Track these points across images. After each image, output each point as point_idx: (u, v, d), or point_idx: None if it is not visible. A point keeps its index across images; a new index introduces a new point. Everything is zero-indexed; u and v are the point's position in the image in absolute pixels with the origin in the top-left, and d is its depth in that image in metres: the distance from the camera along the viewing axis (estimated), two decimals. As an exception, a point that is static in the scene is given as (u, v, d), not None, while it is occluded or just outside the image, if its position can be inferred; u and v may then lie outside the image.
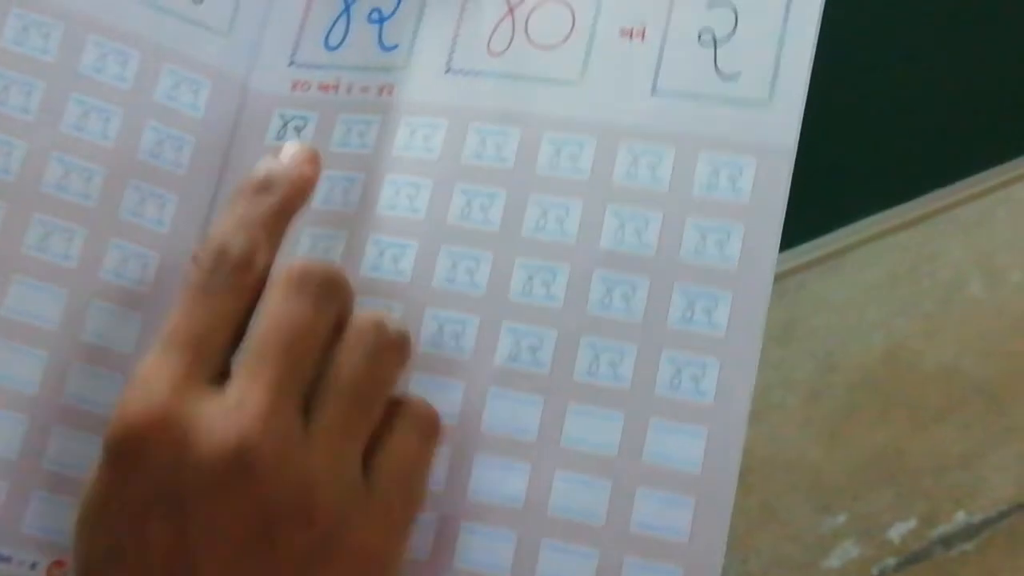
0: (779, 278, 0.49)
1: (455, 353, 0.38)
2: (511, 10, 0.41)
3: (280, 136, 0.43)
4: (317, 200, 0.41)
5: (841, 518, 0.52)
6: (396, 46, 0.42)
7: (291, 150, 0.37)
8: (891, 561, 0.51)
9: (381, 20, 0.43)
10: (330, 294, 0.33)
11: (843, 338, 0.53)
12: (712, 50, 0.39)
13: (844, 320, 0.53)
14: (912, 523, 0.51)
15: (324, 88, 0.43)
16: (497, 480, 0.37)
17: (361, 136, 0.42)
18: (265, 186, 0.36)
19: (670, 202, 0.38)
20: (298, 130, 0.42)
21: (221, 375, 0.33)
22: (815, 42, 0.38)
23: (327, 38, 0.43)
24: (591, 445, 0.37)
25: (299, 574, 0.31)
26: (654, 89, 0.39)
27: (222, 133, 0.43)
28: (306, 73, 0.43)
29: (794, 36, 0.38)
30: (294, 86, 0.43)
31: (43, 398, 0.39)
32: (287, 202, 0.36)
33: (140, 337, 0.40)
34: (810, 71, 0.38)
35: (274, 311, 0.33)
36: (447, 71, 0.41)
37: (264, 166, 0.36)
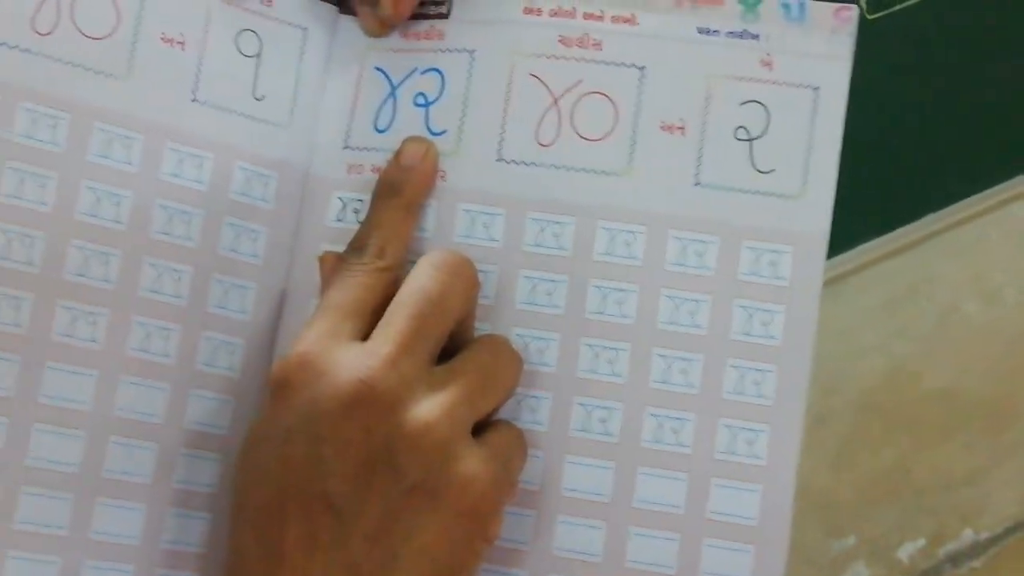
0: None
1: (532, 425, 0.47)
2: (555, 101, 0.48)
3: (340, 218, 0.49)
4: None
5: (851, 540, 0.57)
6: (445, 131, 0.48)
7: (408, 150, 0.46)
8: None
9: (426, 104, 0.49)
10: (457, 273, 0.43)
11: (844, 362, 0.58)
12: (748, 145, 0.46)
13: (845, 344, 0.58)
14: (921, 542, 0.57)
15: (376, 171, 0.48)
16: (578, 537, 0.46)
17: (418, 222, 0.48)
18: (390, 191, 0.46)
19: (718, 286, 0.45)
20: (356, 212, 0.49)
21: (361, 340, 0.42)
22: (841, 137, 0.45)
23: (376, 121, 0.49)
24: (660, 504, 0.46)
25: (414, 490, 0.40)
26: (697, 181, 0.46)
27: (290, 220, 0.49)
28: (359, 156, 0.49)
29: (822, 132, 0.45)
30: (349, 169, 0.49)
31: (155, 489, 0.46)
32: (411, 199, 0.46)
33: (233, 419, 0.48)
34: (837, 163, 0.45)
35: (409, 283, 0.42)
36: (498, 159, 0.47)
37: (386, 173, 0.46)
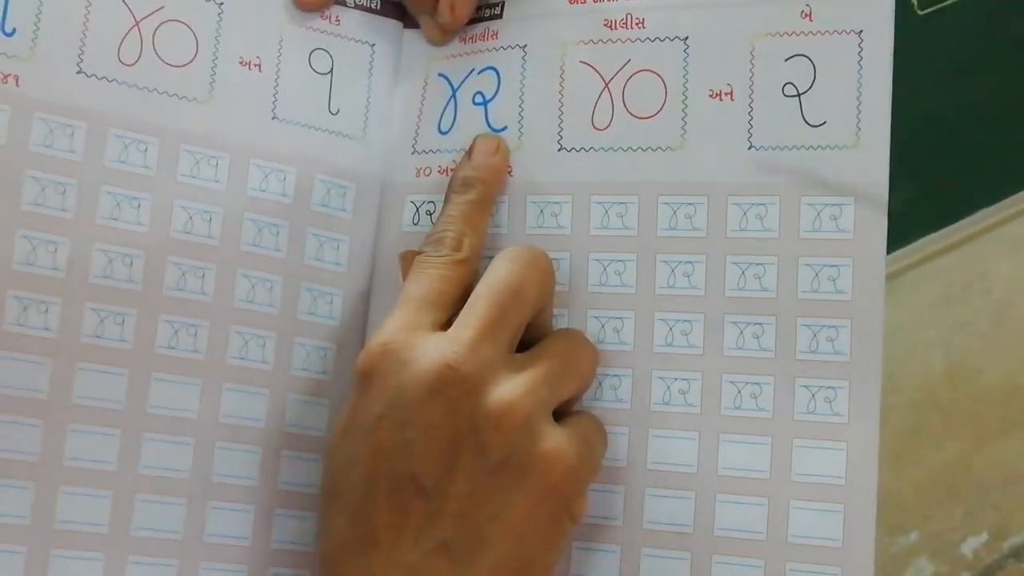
0: None
1: (615, 404, 0.48)
2: (607, 84, 0.50)
3: (415, 222, 0.52)
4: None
5: (913, 536, 0.57)
6: (505, 127, 0.50)
7: (479, 147, 0.49)
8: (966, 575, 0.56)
9: (485, 103, 0.51)
10: (534, 266, 0.44)
11: (903, 359, 0.58)
12: (796, 101, 0.47)
13: (903, 342, 0.58)
14: (984, 537, 0.56)
15: (443, 172, 0.51)
16: (666, 509, 0.47)
17: (493, 216, 0.50)
18: (464, 187, 0.48)
19: (782, 247, 0.46)
20: (429, 213, 0.51)
21: (442, 330, 0.43)
22: (891, 79, 0.45)
23: (439, 124, 0.52)
24: (744, 470, 0.46)
25: (500, 469, 0.41)
26: (750, 145, 0.47)
27: (368, 227, 0.52)
28: (426, 159, 0.51)
29: (870, 76, 0.46)
30: (418, 173, 0.52)
31: (261, 491, 0.49)
32: (484, 195, 0.48)
33: (329, 421, 0.50)
34: (889, 108, 0.45)
35: (487, 276, 0.44)
36: (559, 149, 0.49)
37: (460, 170, 0.48)
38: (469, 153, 0.49)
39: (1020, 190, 0.59)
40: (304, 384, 0.50)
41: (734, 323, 0.47)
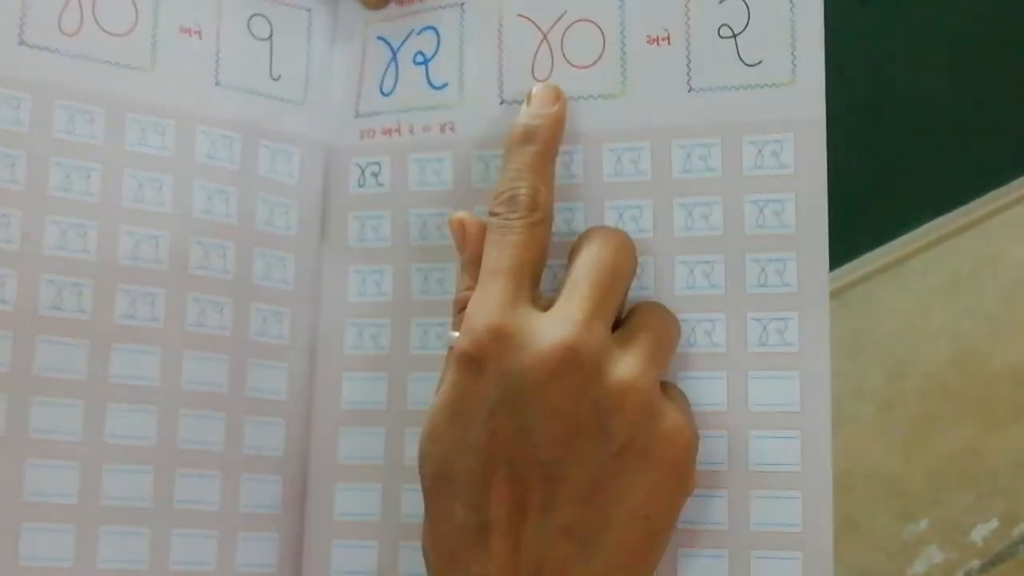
0: (843, 290, 0.56)
1: None
2: (545, 36, 0.51)
3: (361, 184, 0.53)
4: (414, 236, 0.51)
5: (923, 524, 0.57)
6: (445, 84, 0.52)
7: (539, 96, 0.47)
8: (976, 563, 0.57)
9: (425, 62, 0.52)
10: (625, 245, 0.45)
11: (911, 345, 0.58)
12: (733, 42, 0.48)
13: (910, 327, 0.59)
14: (994, 523, 0.57)
15: (387, 132, 0.52)
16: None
17: (438, 173, 0.51)
18: (527, 137, 0.46)
19: (726, 186, 0.48)
20: (375, 175, 0.52)
21: (535, 299, 0.43)
22: (822, 18, 0.47)
23: (381, 85, 0.53)
24: (702, 404, 0.47)
25: (624, 451, 0.41)
26: (690, 87, 0.49)
27: (316, 192, 0.52)
28: (370, 122, 0.52)
29: (803, 14, 0.47)
30: (362, 135, 0.52)
31: (226, 457, 0.50)
32: (548, 144, 0.46)
33: (289, 386, 0.51)
34: (823, 44, 0.47)
35: (584, 255, 0.44)
36: (501, 103, 0.50)
37: (520, 120, 0.46)
38: (529, 103, 0.47)
39: (1027, 172, 0.59)
40: (262, 348, 0.50)
41: (684, 263, 0.48)
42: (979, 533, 0.57)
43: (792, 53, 0.47)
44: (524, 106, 0.47)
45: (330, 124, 0.52)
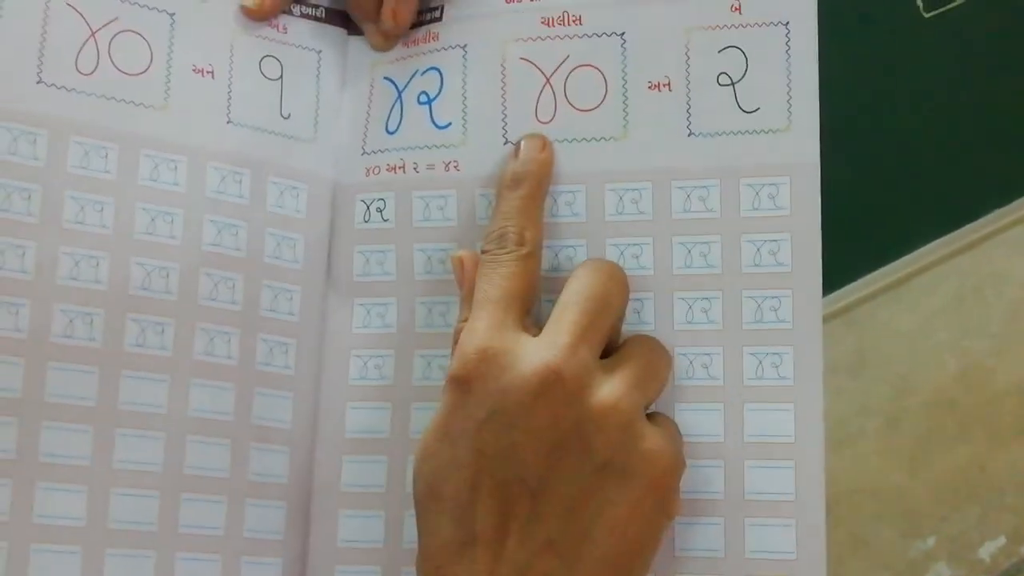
0: (848, 309, 0.57)
1: None
2: (548, 80, 0.53)
3: (366, 219, 0.54)
4: (419, 271, 0.53)
5: (931, 541, 0.58)
6: (449, 124, 0.53)
7: (527, 145, 0.50)
8: None
9: (429, 101, 0.54)
10: (613, 277, 0.46)
11: (915, 363, 0.59)
12: (731, 89, 0.50)
13: (915, 345, 0.59)
14: (1001, 540, 0.57)
15: (391, 170, 0.53)
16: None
17: (442, 210, 0.52)
18: (516, 183, 0.49)
19: (724, 226, 0.49)
20: (380, 210, 0.54)
21: (524, 327, 0.45)
22: (816, 67, 0.48)
23: (386, 124, 0.54)
24: (698, 435, 0.48)
25: (604, 468, 0.42)
26: (689, 132, 0.50)
27: (323, 226, 0.54)
28: (375, 159, 0.54)
29: (798, 63, 0.49)
30: (367, 172, 0.54)
31: (232, 483, 0.51)
32: (535, 188, 0.49)
33: (294, 413, 0.52)
34: (817, 94, 0.48)
35: (572, 285, 0.46)
36: (505, 143, 0.52)
37: (510, 167, 0.49)
38: (516, 151, 0.50)
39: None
40: (268, 378, 0.51)
41: (683, 299, 0.49)
42: (987, 550, 0.57)
43: (788, 100, 0.49)
44: (512, 153, 0.50)
45: (337, 161, 0.54)
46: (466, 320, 0.46)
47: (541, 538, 0.42)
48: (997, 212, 0.60)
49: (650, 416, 0.46)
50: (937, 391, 0.58)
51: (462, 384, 0.44)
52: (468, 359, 0.44)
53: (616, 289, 0.46)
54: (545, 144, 0.50)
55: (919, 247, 0.60)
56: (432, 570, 0.44)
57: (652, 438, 0.43)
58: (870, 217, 0.53)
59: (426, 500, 0.44)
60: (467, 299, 0.47)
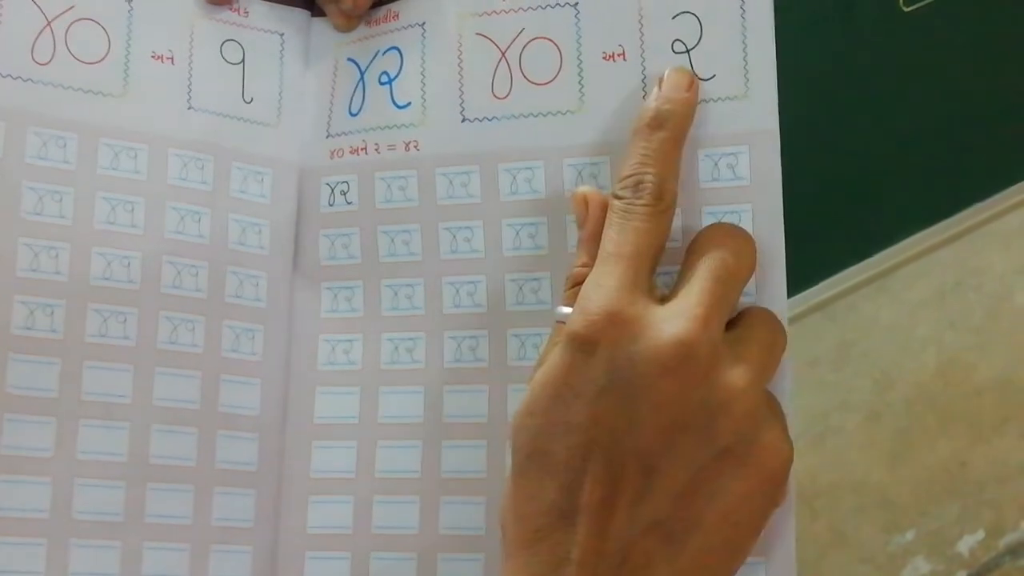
0: (829, 302, 0.56)
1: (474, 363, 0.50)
2: (503, 54, 0.52)
3: (331, 203, 0.53)
4: (383, 253, 0.52)
5: (910, 535, 0.58)
6: (409, 104, 0.52)
7: (672, 80, 0.46)
8: (962, 574, 0.57)
9: (390, 81, 0.53)
10: (745, 251, 0.44)
11: (896, 357, 0.59)
12: (686, 56, 0.48)
13: (896, 339, 0.59)
14: (980, 535, 0.57)
15: (354, 152, 0.53)
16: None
17: (403, 190, 0.52)
18: (658, 122, 0.44)
19: (683, 199, 0.47)
20: (344, 193, 0.53)
21: (651, 288, 0.43)
22: (773, 31, 0.47)
23: (349, 106, 0.54)
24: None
25: (724, 454, 0.40)
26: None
27: (288, 211, 0.53)
28: (338, 142, 0.53)
29: (754, 29, 0.47)
30: (331, 155, 0.53)
31: (198, 471, 0.50)
32: (678, 131, 0.45)
33: (262, 399, 0.52)
34: (775, 59, 0.47)
35: (707, 248, 0.43)
36: (463, 120, 0.51)
37: (652, 104, 0.45)
38: (661, 87, 0.46)
39: (1011, 185, 0.61)
40: (235, 365, 0.51)
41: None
42: (965, 544, 0.57)
43: (744, 67, 0.47)
44: (655, 89, 0.46)
45: (302, 145, 0.53)
46: (585, 266, 0.44)
47: (648, 518, 0.40)
48: (977, 206, 0.60)
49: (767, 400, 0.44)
50: (918, 386, 0.58)
51: (585, 344, 0.41)
52: (594, 319, 0.41)
53: (748, 260, 0.44)
54: (692, 82, 0.46)
55: (900, 241, 0.59)
56: (530, 531, 0.41)
57: (775, 430, 0.41)
58: (851, 211, 0.52)
59: (530, 458, 0.42)
60: (587, 242, 0.44)
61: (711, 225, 0.45)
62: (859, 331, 0.58)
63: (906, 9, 0.60)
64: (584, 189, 0.46)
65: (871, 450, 0.57)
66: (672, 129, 0.44)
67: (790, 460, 0.42)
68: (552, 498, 0.41)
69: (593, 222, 0.45)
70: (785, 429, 0.42)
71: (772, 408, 0.43)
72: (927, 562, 0.57)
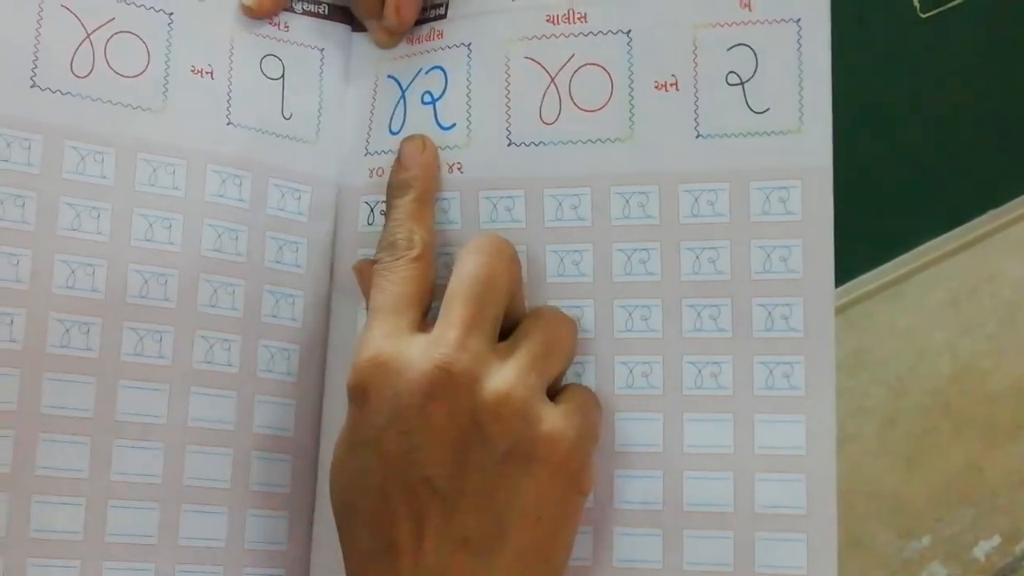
0: (844, 308, 0.56)
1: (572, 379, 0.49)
2: (552, 79, 0.51)
3: (370, 222, 0.52)
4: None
5: (925, 541, 0.57)
6: (454, 125, 0.51)
7: (406, 150, 0.49)
8: None
9: (433, 102, 0.52)
10: (498, 253, 0.45)
11: (911, 363, 0.58)
12: (740, 89, 0.48)
13: (911, 345, 0.58)
14: (996, 540, 0.57)
15: (396, 171, 0.52)
16: (638, 487, 0.48)
17: (445, 212, 0.51)
18: (402, 190, 0.48)
19: (733, 231, 0.47)
20: (383, 214, 0.52)
21: (420, 329, 0.44)
22: (829, 65, 0.46)
23: (390, 124, 0.53)
24: (708, 447, 0.47)
25: (507, 457, 0.42)
26: (697, 134, 0.48)
27: (326, 229, 0.52)
28: (378, 160, 0.52)
29: (810, 63, 0.47)
30: (371, 174, 0.52)
31: (234, 493, 0.50)
32: (423, 192, 0.48)
33: (296, 420, 0.51)
34: (830, 95, 0.46)
35: (457, 272, 0.44)
36: (508, 144, 0.50)
37: (394, 173, 0.49)
38: (398, 158, 0.49)
39: None
40: (270, 386, 0.50)
41: (691, 306, 0.48)
42: (981, 550, 0.57)
43: (800, 101, 0.47)
44: (396, 161, 0.49)
45: (340, 162, 0.52)
46: None
47: (457, 537, 0.42)
48: (993, 212, 0.59)
49: (562, 390, 0.45)
50: (933, 392, 0.58)
51: (359, 394, 0.43)
52: (361, 368, 0.43)
53: (503, 266, 0.45)
54: (425, 144, 0.49)
55: (916, 247, 0.59)
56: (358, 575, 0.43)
57: (551, 419, 0.43)
58: (867, 217, 0.52)
59: (342, 513, 0.44)
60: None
61: (466, 245, 0.46)
62: (875, 337, 0.58)
63: (923, 16, 0.59)
64: (358, 262, 0.49)
65: (886, 456, 0.57)
66: (416, 191, 0.48)
67: (576, 445, 0.43)
68: (367, 544, 0.43)
69: (366, 290, 0.47)
70: (575, 413, 0.43)
71: (568, 396, 0.44)
72: (943, 567, 0.57)
